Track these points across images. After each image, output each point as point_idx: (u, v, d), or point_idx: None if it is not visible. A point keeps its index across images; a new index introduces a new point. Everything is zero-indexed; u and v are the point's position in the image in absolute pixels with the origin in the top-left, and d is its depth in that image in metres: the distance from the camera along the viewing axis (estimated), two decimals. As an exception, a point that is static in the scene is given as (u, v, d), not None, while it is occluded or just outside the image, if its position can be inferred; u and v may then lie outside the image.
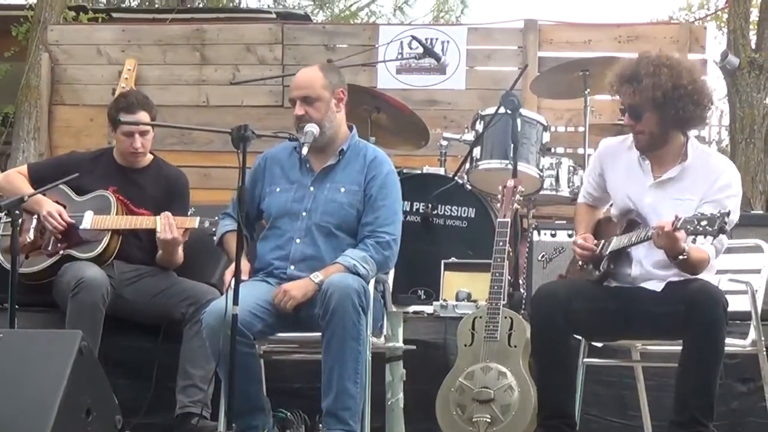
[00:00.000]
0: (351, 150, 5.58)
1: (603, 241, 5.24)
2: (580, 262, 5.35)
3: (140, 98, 6.38)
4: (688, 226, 4.74)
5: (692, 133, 5.25)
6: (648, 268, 5.15)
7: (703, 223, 4.71)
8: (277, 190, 5.56)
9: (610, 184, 5.38)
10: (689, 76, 5.06)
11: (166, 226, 6.01)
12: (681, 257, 4.86)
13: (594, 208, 5.54)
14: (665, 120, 5.10)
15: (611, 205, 5.46)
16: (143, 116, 6.24)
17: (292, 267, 5.41)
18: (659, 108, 5.07)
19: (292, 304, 5.25)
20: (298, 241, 5.44)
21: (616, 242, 5.18)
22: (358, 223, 5.48)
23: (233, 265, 5.09)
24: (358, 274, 5.24)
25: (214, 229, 5.81)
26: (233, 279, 4.98)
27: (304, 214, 5.47)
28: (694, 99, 5.06)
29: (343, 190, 5.49)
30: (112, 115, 6.27)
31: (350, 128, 5.66)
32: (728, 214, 4.72)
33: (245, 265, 5.36)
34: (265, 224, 5.63)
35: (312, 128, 5.41)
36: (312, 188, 5.52)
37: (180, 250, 6.18)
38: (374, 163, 5.55)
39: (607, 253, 5.19)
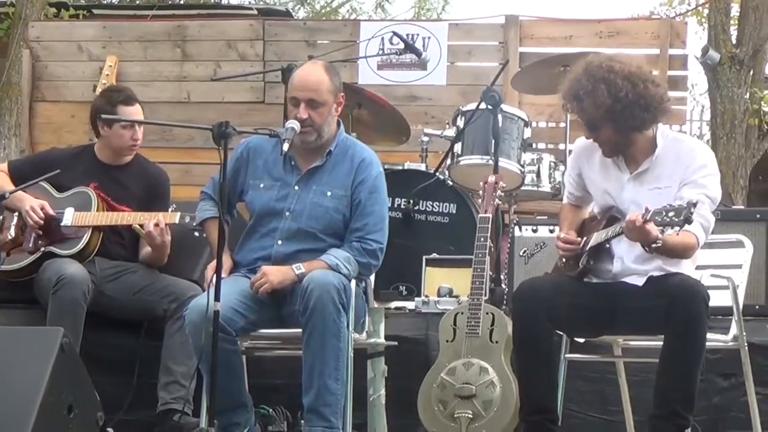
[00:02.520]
0: (338, 149, 5.51)
1: (585, 238, 5.26)
2: (563, 259, 5.36)
3: (131, 92, 6.36)
4: (657, 218, 4.75)
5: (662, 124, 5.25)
6: (629, 264, 5.16)
7: (671, 214, 4.71)
8: (261, 186, 5.50)
9: (589, 182, 5.38)
10: (627, 85, 5.01)
11: (159, 230, 5.98)
12: (655, 245, 4.85)
13: (578, 207, 5.53)
14: (620, 128, 5.08)
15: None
16: (139, 108, 6.26)
17: (274, 268, 5.40)
18: (609, 120, 5.05)
19: (266, 288, 5.24)
20: (279, 242, 5.41)
21: (595, 238, 5.19)
22: (344, 227, 5.44)
23: (215, 261, 5.08)
24: (340, 273, 5.23)
25: (195, 224, 5.80)
26: (215, 275, 4.98)
27: (287, 214, 5.43)
28: (640, 105, 5.02)
29: (329, 194, 5.43)
30: (108, 110, 6.13)
31: (338, 124, 5.58)
32: (695, 204, 4.69)
33: (227, 262, 5.36)
34: (248, 219, 5.60)
35: (293, 124, 5.33)
36: (296, 187, 5.46)
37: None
38: (362, 165, 5.48)
39: (587, 248, 5.20)
